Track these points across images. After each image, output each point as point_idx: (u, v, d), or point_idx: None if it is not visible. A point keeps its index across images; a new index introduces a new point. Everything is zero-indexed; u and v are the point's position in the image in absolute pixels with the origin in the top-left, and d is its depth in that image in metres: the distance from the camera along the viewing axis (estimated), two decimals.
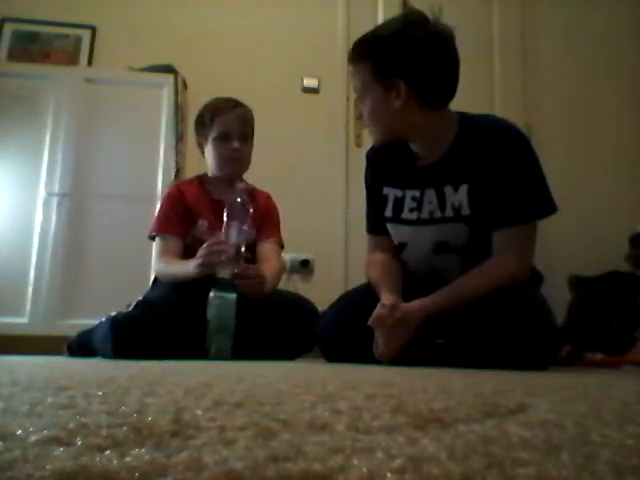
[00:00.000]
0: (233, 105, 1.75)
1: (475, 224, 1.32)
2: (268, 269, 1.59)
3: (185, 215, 1.70)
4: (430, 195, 1.36)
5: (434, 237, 1.36)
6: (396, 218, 1.42)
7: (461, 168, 1.33)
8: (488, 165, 1.30)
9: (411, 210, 1.39)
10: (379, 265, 1.44)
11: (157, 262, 1.70)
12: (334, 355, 1.40)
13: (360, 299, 1.42)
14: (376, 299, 1.32)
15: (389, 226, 1.44)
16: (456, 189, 1.33)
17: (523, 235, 1.31)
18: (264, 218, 1.76)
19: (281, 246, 1.80)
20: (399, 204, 1.42)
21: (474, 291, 1.26)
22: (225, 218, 1.52)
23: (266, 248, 1.73)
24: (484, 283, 1.26)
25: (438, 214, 1.35)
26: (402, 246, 1.44)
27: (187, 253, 1.64)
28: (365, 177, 1.54)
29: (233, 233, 1.50)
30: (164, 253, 1.67)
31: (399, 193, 1.42)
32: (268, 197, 1.84)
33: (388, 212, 1.44)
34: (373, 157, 1.52)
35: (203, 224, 1.69)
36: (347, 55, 1.40)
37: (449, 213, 1.34)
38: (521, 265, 1.31)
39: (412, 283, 1.39)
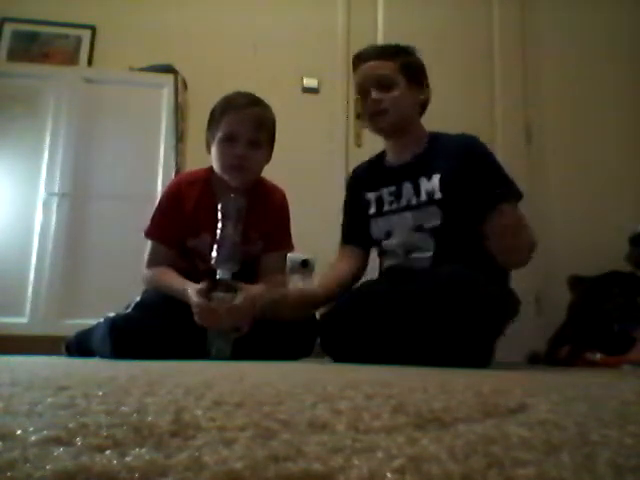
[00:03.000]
0: (246, 102, 1.55)
1: (447, 207, 1.47)
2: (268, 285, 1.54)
3: (183, 222, 1.57)
4: (407, 187, 1.54)
5: (413, 221, 1.52)
6: (379, 213, 1.60)
7: (434, 162, 1.52)
8: (458, 157, 1.49)
9: (390, 203, 1.58)
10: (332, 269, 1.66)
11: (147, 270, 1.59)
12: (339, 353, 1.42)
13: (360, 294, 1.52)
14: (372, 294, 1.47)
15: (373, 222, 1.61)
16: (429, 179, 1.50)
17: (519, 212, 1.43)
18: (275, 226, 1.63)
19: (291, 250, 1.71)
20: (380, 202, 1.60)
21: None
22: (220, 217, 1.46)
23: (271, 261, 1.63)
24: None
25: (414, 201, 1.52)
26: (388, 234, 1.58)
27: (186, 258, 1.59)
28: (345, 199, 1.74)
29: (229, 232, 1.45)
30: (154, 262, 1.58)
31: (378, 194, 1.61)
32: (283, 197, 1.70)
33: (372, 210, 1.61)
34: (354, 179, 1.73)
35: (205, 239, 1.55)
36: (368, 53, 1.59)
37: (424, 198, 1.51)
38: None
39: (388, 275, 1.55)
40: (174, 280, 1.52)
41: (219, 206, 1.48)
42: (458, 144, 1.53)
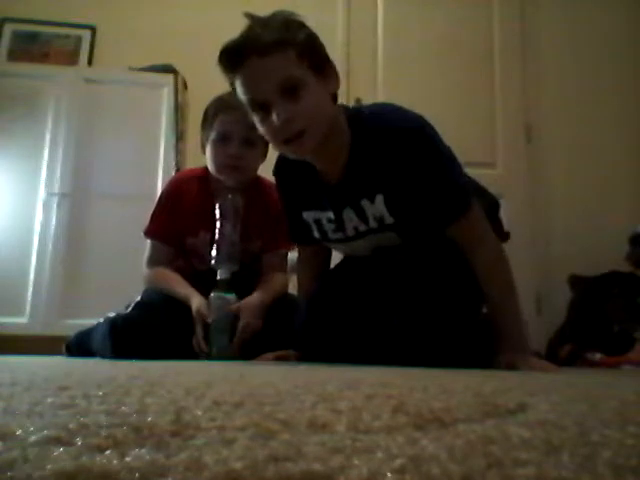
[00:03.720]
0: (240, 102, 1.58)
1: (402, 230, 1.25)
2: (268, 288, 1.54)
3: (182, 219, 1.58)
4: (348, 214, 1.27)
5: (368, 246, 1.32)
6: (325, 238, 1.36)
7: (370, 180, 1.22)
8: (396, 170, 1.19)
9: (334, 231, 1.32)
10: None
11: (147, 269, 1.59)
12: (316, 354, 1.36)
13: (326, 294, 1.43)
14: (338, 291, 1.37)
15: (324, 242, 1.39)
16: (372, 201, 1.23)
17: (474, 220, 1.21)
18: (274, 224, 1.60)
19: (291, 249, 1.69)
20: (320, 227, 1.35)
21: (509, 301, 1.21)
22: (218, 216, 1.48)
23: (272, 261, 1.63)
24: (504, 287, 1.20)
25: (363, 227, 1.27)
26: (345, 252, 1.43)
27: (184, 258, 1.60)
28: (280, 196, 1.46)
29: (227, 232, 1.46)
30: (154, 262, 1.58)
31: (316, 215, 1.34)
32: None
33: (316, 234, 1.36)
34: (280, 177, 1.42)
35: (204, 238, 1.56)
36: (256, 41, 1.17)
37: (373, 224, 1.26)
38: (496, 244, 1.23)
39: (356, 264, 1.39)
40: (176, 285, 1.52)
41: (217, 205, 1.49)
42: (391, 147, 1.18)
